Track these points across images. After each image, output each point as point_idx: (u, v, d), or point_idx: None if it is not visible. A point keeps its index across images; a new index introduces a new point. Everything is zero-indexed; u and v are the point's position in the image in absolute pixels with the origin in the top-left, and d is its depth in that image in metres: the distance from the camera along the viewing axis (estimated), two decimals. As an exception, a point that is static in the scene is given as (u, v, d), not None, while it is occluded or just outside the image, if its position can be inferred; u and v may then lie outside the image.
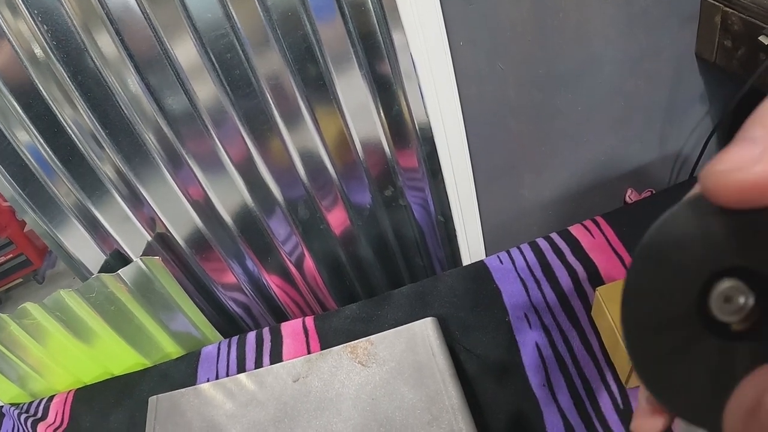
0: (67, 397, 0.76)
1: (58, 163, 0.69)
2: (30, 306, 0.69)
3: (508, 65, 0.76)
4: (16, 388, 0.76)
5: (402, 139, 0.80)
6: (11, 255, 1.94)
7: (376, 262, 0.95)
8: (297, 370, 0.66)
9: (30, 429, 0.71)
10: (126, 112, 0.67)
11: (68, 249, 0.77)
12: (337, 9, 0.65)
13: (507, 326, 0.67)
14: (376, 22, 0.68)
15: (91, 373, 0.78)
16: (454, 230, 0.92)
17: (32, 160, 0.69)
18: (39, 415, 0.74)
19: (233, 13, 0.62)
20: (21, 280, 2.01)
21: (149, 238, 0.80)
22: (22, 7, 0.57)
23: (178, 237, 0.80)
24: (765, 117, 0.13)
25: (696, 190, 0.16)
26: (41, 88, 0.63)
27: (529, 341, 0.65)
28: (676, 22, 0.79)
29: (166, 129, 0.69)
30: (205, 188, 0.77)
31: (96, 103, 0.65)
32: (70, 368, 0.76)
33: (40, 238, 0.77)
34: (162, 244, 0.81)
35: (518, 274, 0.72)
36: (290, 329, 0.74)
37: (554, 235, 0.75)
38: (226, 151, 0.74)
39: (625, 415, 0.56)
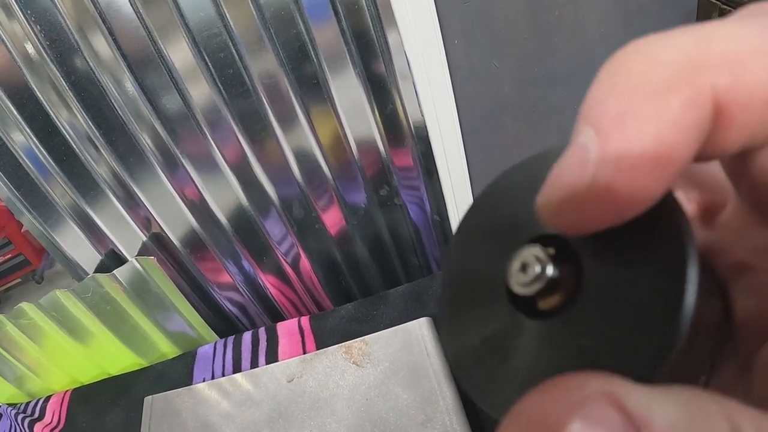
0: (63, 397, 0.76)
1: (52, 163, 0.69)
2: (26, 306, 0.69)
3: (504, 63, 0.75)
4: (13, 388, 0.77)
5: (397, 138, 0.79)
6: (9, 255, 1.93)
7: (371, 261, 0.95)
8: (292, 370, 0.66)
9: (27, 429, 0.71)
10: (120, 112, 0.67)
11: (64, 249, 0.77)
12: (331, 7, 0.65)
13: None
14: (370, 20, 0.67)
15: (88, 373, 0.78)
16: (450, 229, 0.92)
17: (27, 161, 0.69)
18: (36, 415, 0.74)
19: (226, 12, 0.62)
20: (20, 280, 2.01)
21: (144, 239, 0.79)
22: (15, 7, 0.57)
23: (174, 237, 0.80)
24: (594, 110, 0.10)
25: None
26: (35, 89, 0.63)
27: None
28: (673, 19, 0.79)
29: (160, 129, 0.69)
30: (200, 188, 0.76)
31: (90, 103, 0.65)
32: (67, 368, 0.76)
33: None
34: (157, 244, 0.81)
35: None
36: (286, 329, 0.74)
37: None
38: (220, 151, 0.73)
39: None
